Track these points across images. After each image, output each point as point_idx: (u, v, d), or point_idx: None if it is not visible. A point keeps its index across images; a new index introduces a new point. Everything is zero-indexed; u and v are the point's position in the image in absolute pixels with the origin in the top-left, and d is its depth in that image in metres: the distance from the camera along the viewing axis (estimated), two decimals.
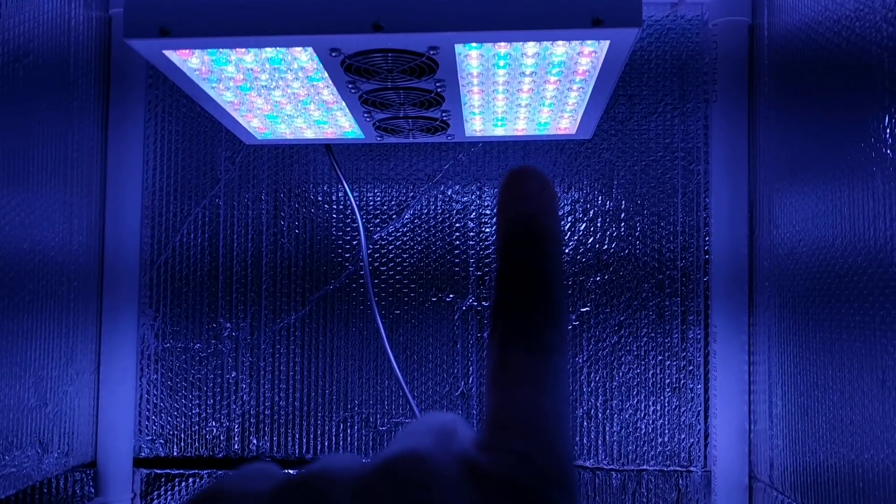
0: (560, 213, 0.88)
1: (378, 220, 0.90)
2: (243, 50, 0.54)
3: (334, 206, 0.90)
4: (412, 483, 0.17)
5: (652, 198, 0.88)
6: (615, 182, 0.88)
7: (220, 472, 0.89)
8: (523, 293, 0.20)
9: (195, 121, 0.91)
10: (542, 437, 0.19)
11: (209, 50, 0.54)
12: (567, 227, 0.89)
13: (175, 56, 0.55)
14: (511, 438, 0.19)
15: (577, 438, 0.88)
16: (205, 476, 0.89)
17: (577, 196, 0.89)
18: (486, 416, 0.20)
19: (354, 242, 0.90)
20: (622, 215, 0.88)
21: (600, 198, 0.88)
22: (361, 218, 0.88)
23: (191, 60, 0.56)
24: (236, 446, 0.89)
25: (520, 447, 0.18)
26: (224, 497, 0.19)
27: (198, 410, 0.90)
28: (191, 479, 0.89)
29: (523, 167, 0.21)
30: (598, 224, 0.88)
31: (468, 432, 0.21)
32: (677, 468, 0.87)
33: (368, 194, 0.90)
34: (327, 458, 0.20)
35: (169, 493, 0.89)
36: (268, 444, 0.89)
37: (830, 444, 0.65)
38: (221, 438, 0.90)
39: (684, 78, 0.88)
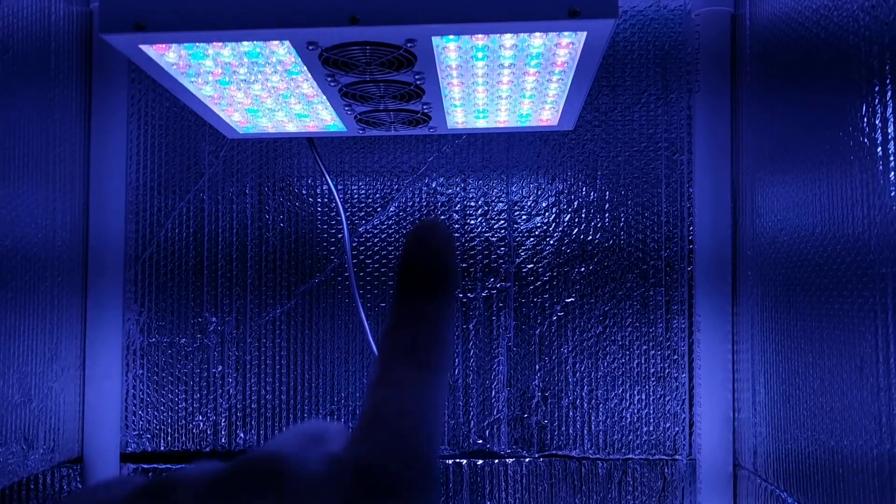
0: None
1: (363, 213, 0.90)
2: (220, 44, 0.54)
3: (319, 200, 0.90)
4: (268, 478, 0.18)
5: (636, 188, 0.88)
6: (599, 173, 0.89)
7: None
8: (415, 316, 0.22)
9: (178, 115, 0.91)
10: (402, 433, 0.20)
11: (186, 44, 0.54)
12: (551, 219, 0.89)
13: (152, 51, 0.54)
14: (374, 434, 0.20)
15: (563, 428, 0.88)
16: None
17: (561, 187, 0.89)
18: (357, 421, 0.21)
19: (339, 236, 0.90)
20: (606, 206, 0.88)
21: (584, 188, 0.89)
22: (345, 211, 0.88)
23: (168, 55, 0.55)
24: (223, 440, 0.89)
25: (380, 439, 0.19)
26: None
27: (184, 405, 0.90)
28: None
29: (432, 219, 0.24)
30: (583, 215, 0.88)
31: (340, 438, 0.22)
32: (662, 457, 0.88)
33: (353, 187, 0.90)
34: (191, 465, 0.20)
35: None
36: (255, 437, 0.89)
37: (811, 431, 0.65)
38: (208, 433, 0.90)
39: (667, 68, 0.88)
